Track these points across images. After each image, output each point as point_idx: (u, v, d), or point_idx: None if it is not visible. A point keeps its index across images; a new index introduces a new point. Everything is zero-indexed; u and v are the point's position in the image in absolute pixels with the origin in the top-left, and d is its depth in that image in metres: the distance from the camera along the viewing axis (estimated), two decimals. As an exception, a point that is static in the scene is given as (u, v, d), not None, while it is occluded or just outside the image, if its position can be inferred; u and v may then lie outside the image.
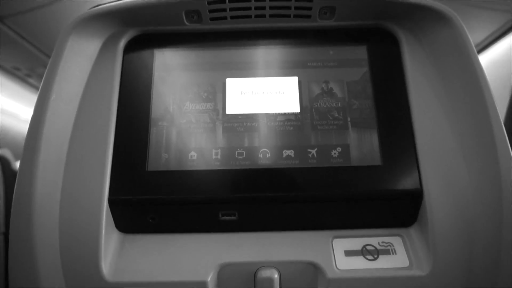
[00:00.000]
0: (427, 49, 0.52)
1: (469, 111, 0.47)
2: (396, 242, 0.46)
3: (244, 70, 0.52)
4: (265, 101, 0.51)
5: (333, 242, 0.46)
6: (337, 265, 0.44)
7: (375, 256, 0.45)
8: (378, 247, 0.46)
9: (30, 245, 0.43)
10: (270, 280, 0.43)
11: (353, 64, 0.52)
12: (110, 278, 0.43)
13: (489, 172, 0.44)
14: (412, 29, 0.53)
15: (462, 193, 0.45)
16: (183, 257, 0.45)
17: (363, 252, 0.45)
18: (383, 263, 0.44)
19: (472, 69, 0.47)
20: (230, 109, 0.50)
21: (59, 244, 0.44)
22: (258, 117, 0.50)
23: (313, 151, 0.48)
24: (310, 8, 0.52)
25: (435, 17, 0.50)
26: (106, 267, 0.44)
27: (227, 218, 0.47)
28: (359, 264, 0.44)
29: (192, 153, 0.48)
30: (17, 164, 1.64)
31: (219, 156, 0.48)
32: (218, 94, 0.51)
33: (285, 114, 0.50)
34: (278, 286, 0.44)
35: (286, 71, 0.52)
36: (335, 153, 0.48)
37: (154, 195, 0.46)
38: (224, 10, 0.51)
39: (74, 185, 0.46)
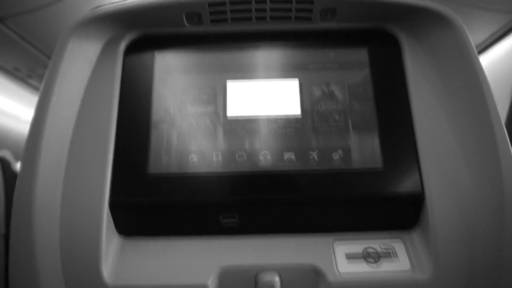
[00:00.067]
0: (428, 51, 0.52)
1: (470, 113, 0.47)
2: (397, 245, 0.46)
3: (244, 73, 0.52)
4: (266, 104, 0.50)
5: (334, 246, 0.46)
6: (338, 268, 0.44)
7: (377, 259, 0.45)
8: (380, 251, 0.46)
9: (31, 248, 0.42)
10: (271, 284, 0.43)
11: (354, 66, 0.52)
12: (111, 282, 0.43)
13: (491, 175, 0.44)
14: (413, 31, 0.53)
15: (464, 196, 0.45)
16: (184, 260, 0.45)
17: (365, 255, 0.45)
18: (385, 266, 0.44)
19: (473, 71, 0.47)
20: (231, 112, 0.50)
21: (59, 247, 0.44)
22: (259, 119, 0.50)
23: (314, 154, 0.48)
24: (310, 10, 0.51)
25: (436, 19, 0.50)
26: (107, 270, 0.44)
27: (228, 221, 0.47)
28: (361, 267, 0.44)
29: (193, 155, 0.48)
30: (17, 166, 1.64)
31: (219, 159, 0.48)
32: (218, 97, 0.51)
33: (286, 116, 0.50)
34: None
35: (287, 74, 0.52)
36: (336, 156, 0.48)
37: (155, 198, 0.46)
38: (225, 12, 0.51)
39: (74, 188, 0.46)
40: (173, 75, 0.52)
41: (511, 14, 1.72)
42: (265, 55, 0.53)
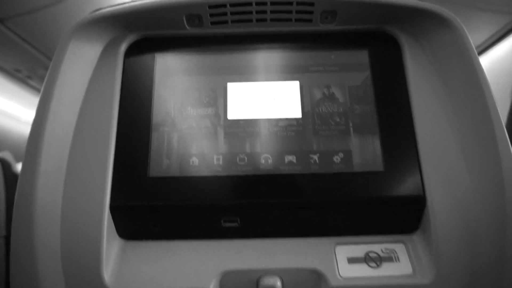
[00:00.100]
0: (429, 53, 0.52)
1: (471, 114, 0.47)
2: (399, 249, 0.46)
3: (245, 75, 0.52)
4: (266, 106, 0.50)
5: (336, 249, 0.46)
6: (340, 272, 0.44)
7: (378, 263, 0.45)
8: (381, 254, 0.45)
9: (31, 252, 0.42)
10: (272, 288, 0.43)
11: (355, 69, 0.52)
12: (112, 285, 0.43)
13: (492, 176, 0.44)
14: (413, 33, 0.53)
15: (465, 199, 0.45)
16: (185, 264, 0.45)
17: (366, 259, 0.45)
18: (387, 270, 0.44)
19: (474, 73, 0.47)
20: (232, 114, 0.50)
21: (60, 251, 0.44)
22: (260, 122, 0.49)
23: (315, 157, 0.48)
24: (311, 12, 0.51)
25: (437, 21, 0.50)
26: (108, 274, 0.44)
27: (229, 224, 0.47)
28: (362, 271, 0.44)
29: (194, 158, 0.48)
30: (18, 167, 1.64)
31: (220, 162, 0.47)
32: (219, 99, 0.51)
33: (286, 119, 0.50)
34: None
35: (288, 76, 0.52)
36: (337, 159, 0.48)
37: (156, 202, 0.45)
38: (225, 14, 0.51)
39: (75, 191, 0.46)
40: (173, 77, 0.52)
41: (511, 15, 1.72)
42: (265, 57, 0.53)
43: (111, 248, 0.46)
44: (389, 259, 0.45)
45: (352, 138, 0.49)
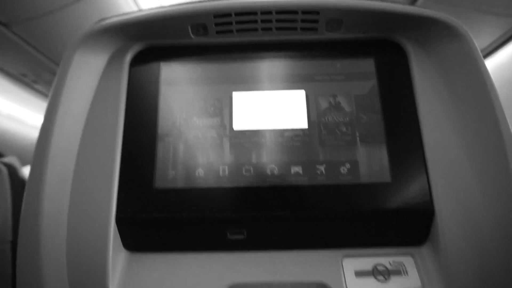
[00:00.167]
0: (436, 61, 0.51)
1: (479, 124, 0.46)
2: (407, 262, 0.45)
3: (250, 84, 0.52)
4: (272, 116, 0.50)
5: (343, 262, 0.45)
6: (347, 286, 0.43)
7: (386, 276, 0.44)
8: (389, 267, 0.45)
9: (38, 265, 0.42)
10: (279, 301, 0.42)
11: (361, 77, 0.51)
12: None
13: (501, 187, 0.43)
14: (420, 41, 0.52)
15: (474, 210, 0.44)
16: (191, 276, 0.45)
17: (374, 272, 0.44)
18: (395, 284, 0.43)
19: (482, 82, 0.46)
20: (237, 125, 0.49)
21: (66, 262, 0.44)
22: (265, 132, 0.49)
23: (322, 168, 0.47)
24: (316, 21, 0.51)
25: (443, 29, 0.49)
26: (113, 285, 0.43)
27: (235, 237, 0.46)
28: (370, 285, 0.43)
29: (199, 170, 0.47)
30: (24, 170, 1.65)
31: (226, 173, 0.47)
32: (224, 109, 0.50)
33: (292, 129, 0.49)
34: None
35: (293, 85, 0.51)
36: (344, 170, 0.47)
37: (162, 214, 0.45)
38: (230, 23, 0.51)
39: (81, 203, 0.46)
40: (179, 86, 0.51)
41: (517, 17, 1.71)
42: (270, 66, 0.53)
43: (117, 259, 0.45)
44: (397, 272, 0.44)
45: (359, 149, 0.48)
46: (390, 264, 0.45)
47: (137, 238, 0.47)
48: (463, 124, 0.47)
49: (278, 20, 0.51)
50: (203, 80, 0.52)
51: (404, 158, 0.47)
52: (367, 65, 0.52)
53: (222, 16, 0.50)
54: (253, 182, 0.47)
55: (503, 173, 0.42)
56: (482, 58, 0.47)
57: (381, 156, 0.47)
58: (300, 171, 0.47)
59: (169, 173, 0.47)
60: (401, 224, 0.46)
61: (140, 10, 0.50)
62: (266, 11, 0.49)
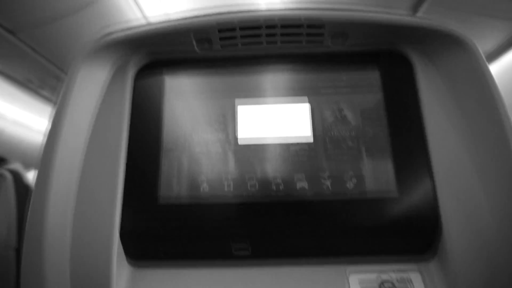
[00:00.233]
0: (443, 73, 0.50)
1: (487, 137, 0.45)
2: (415, 278, 0.45)
3: (255, 97, 0.51)
4: (277, 129, 0.50)
5: (349, 278, 0.45)
6: (353, 303, 0.43)
7: (393, 294, 0.43)
8: (397, 285, 0.44)
9: (41, 280, 0.42)
10: (284, 319, 0.42)
11: (367, 90, 0.51)
12: None
13: (511, 202, 0.42)
14: (426, 52, 0.52)
15: (483, 225, 0.44)
16: None
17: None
18: (402, 302, 0.43)
19: (490, 95, 0.45)
20: (242, 139, 0.49)
21: (69, 276, 0.44)
22: (271, 147, 0.49)
23: (328, 182, 0.47)
24: (321, 34, 0.51)
25: (450, 41, 0.49)
26: None
27: (240, 252, 0.46)
28: (377, 302, 0.43)
29: (204, 184, 0.47)
30: (28, 175, 1.66)
31: (231, 188, 0.47)
32: (229, 122, 0.50)
33: (298, 142, 0.49)
34: None
35: (298, 98, 0.51)
36: (350, 185, 0.47)
37: (166, 229, 0.45)
38: (235, 37, 0.51)
39: (85, 218, 0.45)
40: (183, 100, 0.51)
41: (522, 22, 1.70)
42: (275, 79, 0.52)
43: (121, 274, 0.45)
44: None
45: (364, 162, 0.47)
46: (397, 280, 0.44)
47: (141, 253, 0.47)
48: (470, 137, 0.47)
49: (283, 34, 0.50)
50: (207, 93, 0.52)
51: (411, 172, 0.46)
52: (373, 77, 0.52)
53: (227, 30, 0.50)
54: (258, 197, 0.46)
55: (512, 185, 0.42)
56: (489, 69, 0.47)
57: (387, 170, 0.47)
58: (306, 186, 0.47)
59: (173, 188, 0.47)
60: (408, 239, 0.45)
61: (145, 24, 0.50)
62: (271, 25, 0.49)
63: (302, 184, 0.47)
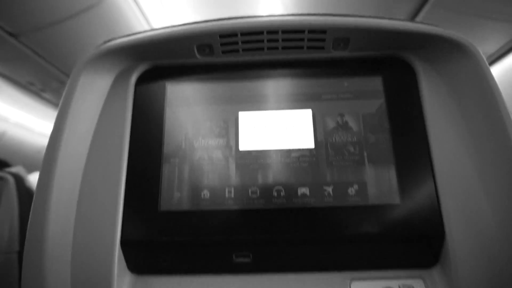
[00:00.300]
0: (446, 79, 0.50)
1: (491, 145, 0.45)
2: (417, 285, 0.44)
3: (257, 103, 0.51)
4: (278, 136, 0.49)
5: (351, 285, 0.44)
6: (356, 312, 0.42)
7: (396, 302, 0.43)
8: (400, 293, 0.44)
9: (42, 286, 0.42)
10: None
11: (369, 96, 0.51)
12: None
13: None
14: (429, 58, 0.51)
15: (487, 232, 0.43)
16: None
17: (384, 298, 0.44)
18: (405, 310, 0.42)
19: (493, 102, 0.45)
20: (243, 145, 0.49)
21: (70, 284, 0.44)
22: (272, 153, 0.49)
23: (329, 189, 0.47)
24: (323, 40, 0.50)
25: (453, 47, 0.48)
26: None
27: (241, 260, 0.46)
28: (380, 311, 0.42)
29: (205, 191, 0.47)
30: (30, 178, 1.66)
31: (232, 195, 0.47)
32: (230, 129, 0.50)
33: (299, 149, 0.49)
34: None
35: (300, 104, 0.51)
36: (351, 191, 0.46)
37: (167, 237, 0.45)
38: (236, 43, 0.50)
39: (86, 226, 0.45)
40: (184, 106, 0.51)
41: (525, 24, 1.69)
42: (277, 85, 0.52)
43: (122, 282, 0.45)
44: (408, 297, 0.43)
45: (367, 169, 0.47)
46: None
47: (142, 261, 0.47)
48: (474, 144, 0.47)
49: (284, 40, 0.50)
50: (209, 100, 0.51)
51: (414, 179, 0.46)
52: (375, 83, 0.51)
53: (228, 36, 0.49)
54: (259, 204, 0.46)
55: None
56: (493, 75, 0.46)
57: (390, 177, 0.47)
58: (307, 193, 0.47)
59: (174, 195, 0.47)
60: (411, 246, 0.45)
61: (146, 31, 0.50)
62: (273, 31, 0.49)
63: (303, 190, 0.47)
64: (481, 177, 0.45)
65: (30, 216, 0.44)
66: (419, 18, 1.75)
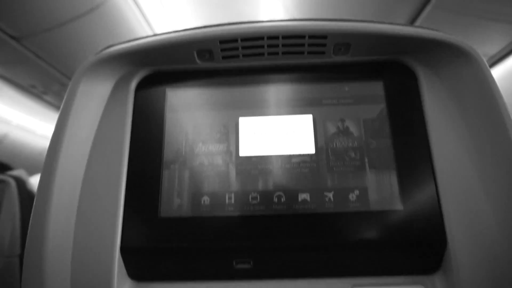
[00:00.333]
0: (447, 84, 0.50)
1: (493, 150, 0.45)
2: (419, 292, 0.44)
3: (257, 109, 0.51)
4: (279, 141, 0.49)
5: (352, 292, 0.44)
6: (357, 320, 0.42)
7: (398, 309, 0.43)
8: (401, 300, 0.43)
9: None
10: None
11: (370, 101, 0.50)
12: None
13: None
14: (430, 63, 0.51)
15: (489, 238, 0.43)
16: None
17: (385, 305, 0.43)
18: (407, 317, 0.42)
19: (495, 107, 0.44)
20: (243, 151, 0.49)
21: None
22: (272, 158, 0.48)
23: (330, 195, 0.46)
24: (324, 45, 0.50)
25: (454, 52, 0.48)
26: None
27: (242, 266, 0.45)
28: (381, 319, 0.42)
29: (205, 197, 0.47)
30: (32, 180, 1.66)
31: (232, 201, 0.46)
32: (231, 135, 0.50)
33: (300, 155, 0.48)
34: None
35: (301, 109, 0.51)
36: (352, 197, 0.46)
37: (167, 243, 0.45)
38: (236, 48, 0.50)
39: (86, 232, 0.45)
40: (184, 112, 0.51)
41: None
42: (277, 90, 0.52)
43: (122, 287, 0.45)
44: (409, 304, 0.43)
45: (368, 175, 0.47)
46: (401, 295, 0.44)
47: (142, 267, 0.46)
48: (475, 149, 0.46)
49: (284, 45, 0.50)
50: (209, 105, 0.51)
51: (415, 185, 0.46)
52: (376, 88, 0.51)
53: (228, 42, 0.49)
54: (259, 210, 0.46)
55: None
56: (494, 80, 0.46)
57: (391, 182, 0.46)
58: (308, 198, 0.46)
59: (174, 202, 0.47)
60: (413, 252, 0.45)
61: (145, 37, 0.50)
62: (273, 36, 0.49)
63: (304, 196, 0.46)
64: (483, 182, 0.45)
65: (30, 223, 0.44)
66: (421, 19, 1.74)
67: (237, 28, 0.48)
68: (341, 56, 0.52)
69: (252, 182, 0.47)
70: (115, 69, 0.51)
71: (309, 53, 0.51)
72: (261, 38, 0.49)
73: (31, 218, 0.44)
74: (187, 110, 0.51)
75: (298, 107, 0.51)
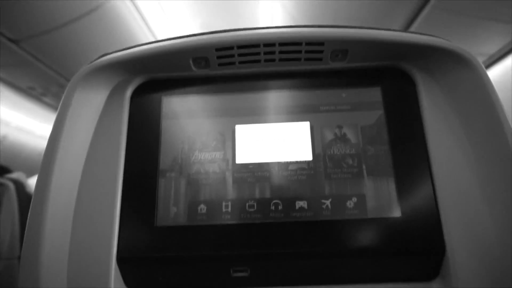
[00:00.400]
0: (446, 90, 0.50)
1: (492, 156, 0.44)
2: (417, 301, 0.44)
3: (254, 116, 0.51)
4: (276, 149, 0.49)
5: (350, 301, 0.44)
6: (355, 329, 0.42)
7: (396, 318, 0.43)
8: (399, 309, 0.43)
9: None
10: None
11: (367, 107, 0.50)
12: None
13: None
14: (429, 69, 0.51)
15: (488, 245, 0.43)
16: None
17: (383, 314, 0.43)
18: (405, 327, 0.42)
19: (494, 113, 0.44)
20: (240, 158, 0.49)
21: None
22: (269, 166, 0.48)
23: (327, 202, 0.46)
24: (321, 52, 0.50)
25: (453, 58, 0.48)
26: None
27: (239, 274, 0.45)
28: (379, 328, 0.42)
29: (202, 206, 0.47)
30: (30, 182, 1.66)
31: (229, 209, 0.46)
32: (227, 142, 0.49)
33: (297, 162, 0.48)
34: None
35: (298, 116, 0.50)
36: (350, 204, 0.46)
37: (163, 253, 0.44)
38: (233, 56, 0.50)
39: (81, 242, 0.45)
40: (180, 120, 0.51)
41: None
42: (274, 97, 0.52)
43: None
44: (407, 313, 0.43)
45: (365, 182, 0.47)
46: (399, 304, 0.44)
47: (139, 277, 0.46)
48: (474, 155, 0.46)
49: (281, 52, 0.50)
50: (205, 113, 0.51)
51: (413, 191, 0.46)
52: (374, 94, 0.51)
53: (224, 49, 0.49)
54: (256, 218, 0.46)
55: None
56: (493, 86, 0.45)
57: (389, 189, 0.46)
58: (305, 206, 0.46)
59: (170, 210, 0.46)
60: (411, 259, 0.45)
61: (141, 44, 0.49)
62: (269, 43, 0.48)
63: (301, 204, 0.46)
64: (482, 189, 0.45)
65: (25, 234, 0.44)
66: (419, 20, 1.74)
67: (233, 35, 0.48)
68: (338, 62, 0.52)
69: (249, 190, 0.47)
70: (110, 77, 0.50)
71: (306, 59, 0.51)
72: (257, 45, 0.49)
73: (26, 230, 0.44)
74: (183, 117, 0.51)
75: (295, 114, 0.51)
